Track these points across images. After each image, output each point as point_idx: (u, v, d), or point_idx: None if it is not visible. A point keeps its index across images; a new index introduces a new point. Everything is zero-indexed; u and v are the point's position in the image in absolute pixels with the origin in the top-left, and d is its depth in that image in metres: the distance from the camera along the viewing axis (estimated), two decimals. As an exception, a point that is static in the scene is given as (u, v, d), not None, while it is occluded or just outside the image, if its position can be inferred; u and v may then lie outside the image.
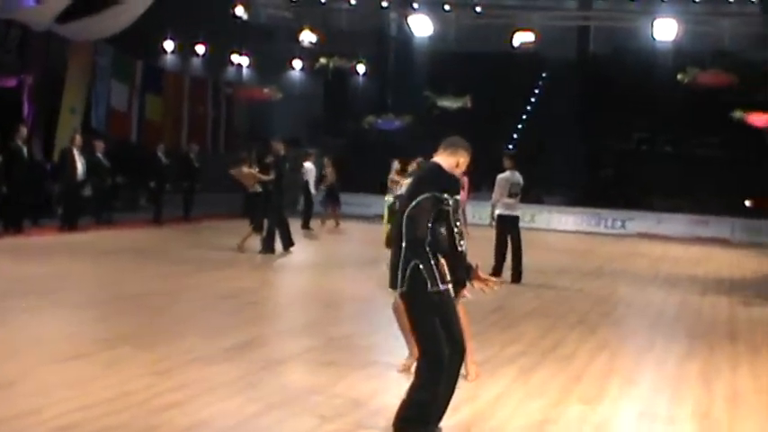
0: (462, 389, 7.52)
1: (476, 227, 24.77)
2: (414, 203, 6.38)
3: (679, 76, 26.11)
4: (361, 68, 32.49)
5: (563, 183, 33.60)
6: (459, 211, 6.41)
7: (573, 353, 9.74)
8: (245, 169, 18.33)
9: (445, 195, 6.32)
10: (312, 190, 24.45)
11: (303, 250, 18.68)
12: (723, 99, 26.91)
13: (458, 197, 6.38)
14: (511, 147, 38.42)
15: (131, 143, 26.49)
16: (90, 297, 11.75)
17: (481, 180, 26.90)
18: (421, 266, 6.33)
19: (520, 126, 39.76)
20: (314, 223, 24.27)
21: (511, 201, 15.30)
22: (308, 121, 33.65)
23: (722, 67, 25.67)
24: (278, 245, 17.70)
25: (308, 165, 24.59)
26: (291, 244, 18.19)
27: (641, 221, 30.34)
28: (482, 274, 6.71)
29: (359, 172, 29.83)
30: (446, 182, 6.45)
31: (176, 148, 26.44)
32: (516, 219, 15.51)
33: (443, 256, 6.43)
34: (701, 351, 10.17)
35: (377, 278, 15.57)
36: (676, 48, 27.66)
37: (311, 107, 34.51)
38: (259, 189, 18.06)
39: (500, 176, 15.61)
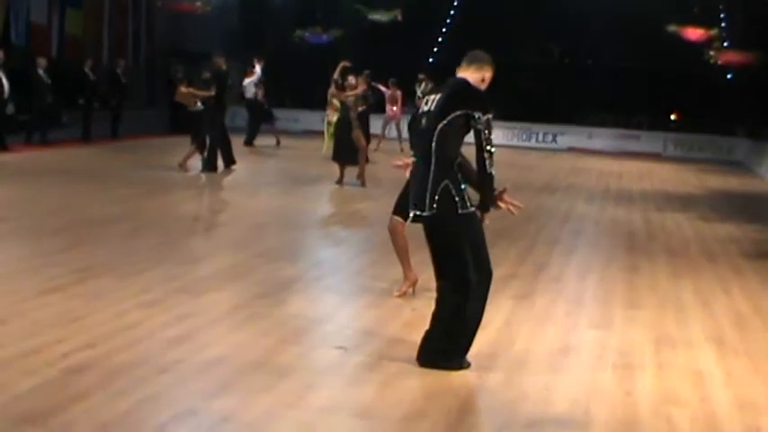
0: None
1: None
2: (445, 121, 6.03)
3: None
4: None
5: (490, 98, 33.26)
6: (492, 131, 6.07)
7: (560, 276, 9.58)
8: (183, 89, 17.62)
9: (477, 113, 5.98)
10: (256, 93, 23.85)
11: (246, 168, 18.12)
12: (656, 13, 26.80)
13: (490, 116, 6.04)
14: (432, 60, 38.23)
15: (53, 59, 25.25)
16: (48, 224, 11.06)
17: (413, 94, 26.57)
18: (452, 187, 6.03)
19: (441, 39, 39.27)
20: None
21: None
22: (225, 34, 32.43)
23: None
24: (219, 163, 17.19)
25: (248, 80, 23.98)
26: (233, 162, 17.72)
27: (572, 136, 30.42)
28: (507, 197, 6.45)
29: (284, 86, 29.11)
30: (477, 99, 6.10)
31: (98, 64, 25.35)
32: None
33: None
34: (686, 272, 10.12)
35: (332, 196, 15.28)
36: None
37: (228, 20, 33.27)
38: (200, 107, 17.37)
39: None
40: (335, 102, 20.46)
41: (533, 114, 30.95)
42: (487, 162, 6.00)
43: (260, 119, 24.41)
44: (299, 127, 29.62)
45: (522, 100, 33.11)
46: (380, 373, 6.06)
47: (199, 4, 28.18)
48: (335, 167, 17.56)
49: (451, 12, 39.77)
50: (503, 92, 33.64)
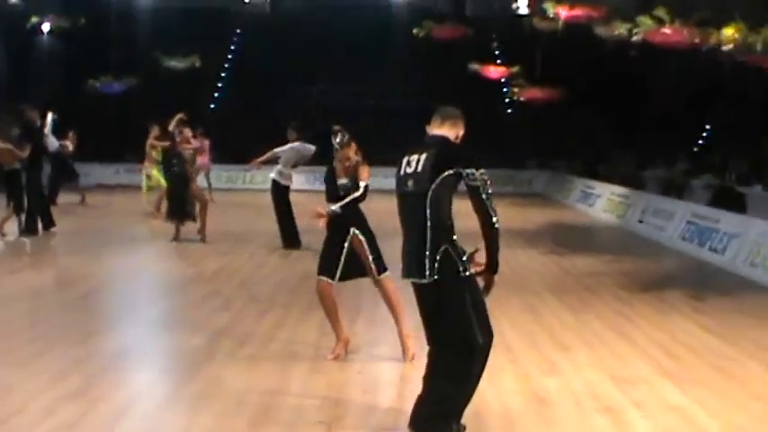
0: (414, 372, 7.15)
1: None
2: (438, 181, 5.76)
3: (414, 31, 26.24)
4: (45, 27, 29.49)
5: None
6: (488, 185, 5.85)
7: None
8: (0, 144, 16.36)
9: (469, 171, 5.74)
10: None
11: (66, 230, 17.00)
12: (457, 52, 27.42)
13: (483, 170, 5.82)
14: (213, 106, 37.75)
15: None
16: None
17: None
18: (451, 251, 5.76)
19: (220, 85, 38.89)
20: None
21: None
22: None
23: (457, 20, 26.14)
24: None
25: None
26: (53, 224, 16.71)
27: (374, 177, 30.56)
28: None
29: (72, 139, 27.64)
30: (468, 156, 5.86)
31: None
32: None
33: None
34: (582, 308, 10.34)
35: (181, 254, 14.50)
36: (409, 2, 27.90)
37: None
38: (17, 165, 16.20)
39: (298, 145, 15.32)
40: (154, 154, 19.71)
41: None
42: (494, 218, 5.77)
43: (63, 175, 23.04)
44: (90, 181, 28.12)
45: (325, 142, 33.08)
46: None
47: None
48: (159, 223, 16.94)
49: (229, 56, 39.44)
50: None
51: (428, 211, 5.77)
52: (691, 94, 25.68)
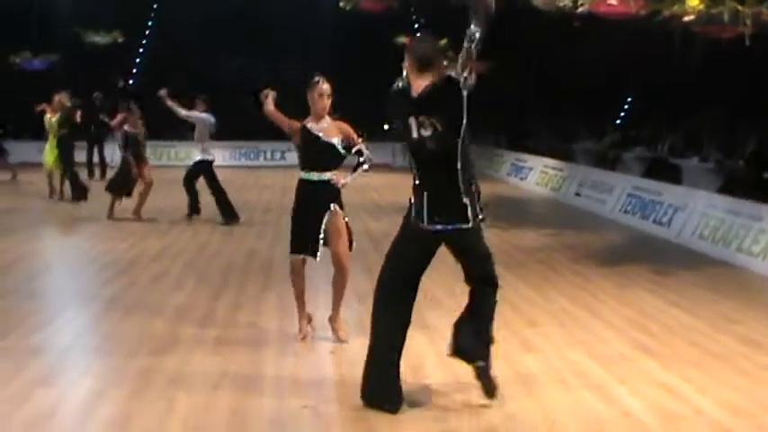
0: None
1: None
2: (462, 132, 5.64)
3: (341, 4, 25.79)
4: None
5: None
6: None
7: (439, 299, 9.04)
8: None
9: (458, 84, 5.67)
10: None
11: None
12: (385, 25, 27.12)
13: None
14: (132, 82, 36.88)
15: None
16: None
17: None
18: (476, 191, 5.78)
19: (138, 60, 38.13)
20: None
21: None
22: None
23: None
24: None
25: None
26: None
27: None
28: None
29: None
30: (454, 79, 5.71)
31: None
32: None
33: None
34: (541, 283, 10.31)
35: (115, 233, 13.98)
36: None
37: None
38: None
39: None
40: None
41: (259, 133, 30.57)
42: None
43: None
44: (12, 159, 27.15)
45: (247, 117, 32.63)
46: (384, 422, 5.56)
47: None
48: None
49: (146, 32, 38.58)
50: (228, 109, 33.17)
51: (459, 162, 5.66)
52: (616, 66, 25.78)
